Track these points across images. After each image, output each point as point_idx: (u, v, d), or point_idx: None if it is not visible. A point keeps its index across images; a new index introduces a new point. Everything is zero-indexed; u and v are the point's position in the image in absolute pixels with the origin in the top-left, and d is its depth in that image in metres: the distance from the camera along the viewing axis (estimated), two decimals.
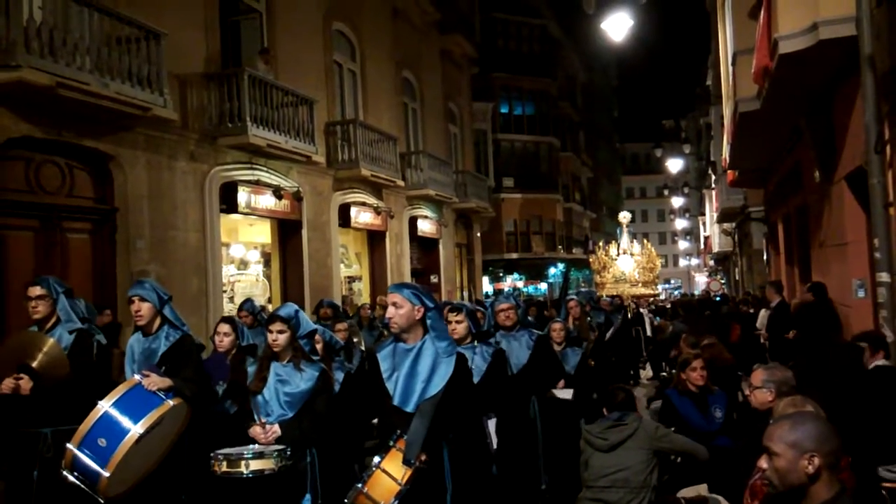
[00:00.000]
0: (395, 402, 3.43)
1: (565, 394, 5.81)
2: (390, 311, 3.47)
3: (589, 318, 8.40)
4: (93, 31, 8.41)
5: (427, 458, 3.23)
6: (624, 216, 22.30)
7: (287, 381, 3.97)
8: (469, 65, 23.68)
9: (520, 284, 32.79)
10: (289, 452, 3.80)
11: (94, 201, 9.50)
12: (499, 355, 4.78)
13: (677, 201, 55.89)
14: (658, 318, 17.48)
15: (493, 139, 28.31)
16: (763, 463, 2.19)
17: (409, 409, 3.38)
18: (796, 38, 6.25)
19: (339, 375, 4.90)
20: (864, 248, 6.94)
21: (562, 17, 36.12)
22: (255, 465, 3.71)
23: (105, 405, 3.91)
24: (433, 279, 19.98)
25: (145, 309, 4.34)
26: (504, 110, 33.19)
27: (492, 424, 4.60)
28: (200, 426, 4.36)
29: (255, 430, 3.90)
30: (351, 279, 16.74)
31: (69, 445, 3.86)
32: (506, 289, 30.19)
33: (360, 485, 3.21)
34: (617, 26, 11.42)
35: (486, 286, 27.83)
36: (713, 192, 26.97)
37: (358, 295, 16.63)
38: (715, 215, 26.25)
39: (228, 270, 12.81)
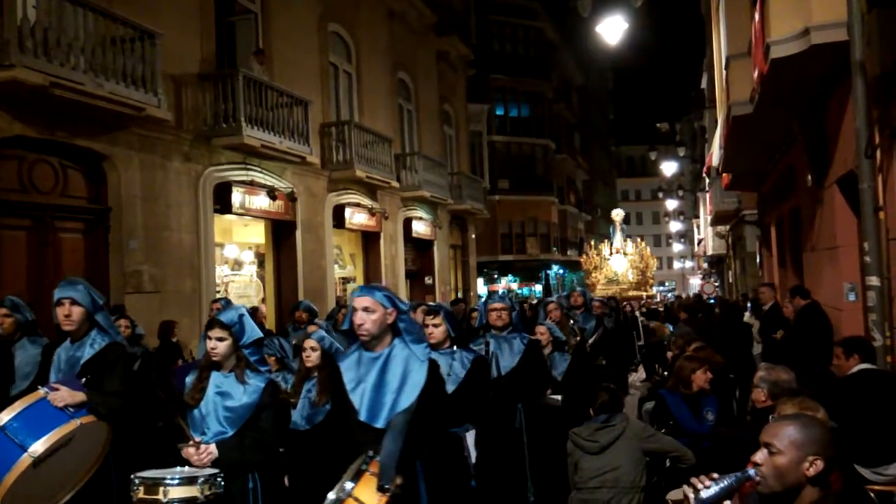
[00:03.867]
0: (362, 417, 3.09)
1: (553, 399, 5.58)
2: (360, 316, 3.13)
3: (572, 322, 8.09)
4: (87, 30, 8.40)
5: (402, 482, 2.90)
6: (617, 213, 21.79)
7: (228, 393, 3.47)
8: (465, 67, 23.70)
9: (514, 286, 32.82)
10: (220, 479, 3.27)
11: (88, 201, 9.49)
12: (479, 362, 4.40)
13: (672, 204, 56.04)
14: (652, 322, 17.51)
15: (488, 141, 28.34)
16: (759, 458, 2.18)
17: (379, 424, 3.05)
18: (788, 43, 6.28)
19: None
20: (855, 251, 6.97)
21: (557, 19, 36.21)
22: (177, 492, 3.15)
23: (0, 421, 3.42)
24: (428, 280, 19.98)
25: (77, 314, 3.87)
26: (499, 112, 33.26)
27: (470, 437, 4.25)
28: (131, 447, 3.89)
29: (189, 451, 3.35)
30: (345, 280, 16.74)
31: None
32: (500, 290, 30.20)
33: None
34: (612, 29, 11.49)
35: (481, 288, 27.84)
36: (707, 195, 27.02)
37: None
38: (709, 218, 26.31)
39: (222, 271, 12.79)
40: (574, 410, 5.65)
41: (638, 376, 13.96)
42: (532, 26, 34.52)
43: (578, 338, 7.55)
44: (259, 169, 12.29)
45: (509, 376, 5.02)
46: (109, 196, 9.58)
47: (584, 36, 32.57)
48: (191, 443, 3.37)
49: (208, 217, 11.22)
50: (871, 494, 4.24)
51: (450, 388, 4.06)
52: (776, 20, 6.35)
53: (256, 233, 13.78)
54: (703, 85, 25.88)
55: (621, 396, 4.67)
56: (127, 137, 9.65)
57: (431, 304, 5.91)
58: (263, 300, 13.43)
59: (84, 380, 3.78)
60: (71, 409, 3.59)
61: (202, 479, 3.20)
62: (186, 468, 3.32)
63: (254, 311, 11.49)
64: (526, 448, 5.11)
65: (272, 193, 12.49)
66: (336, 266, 15.59)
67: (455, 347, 4.37)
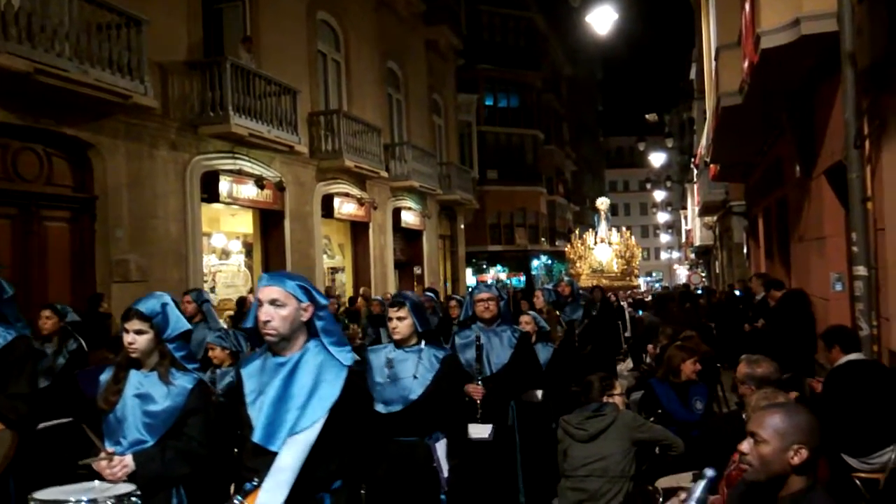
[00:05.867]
0: (256, 437, 2.50)
1: (534, 396, 5.21)
2: (267, 311, 2.54)
3: (558, 314, 7.91)
4: (72, 16, 8.29)
5: None
6: (602, 202, 21.40)
7: (148, 395, 2.93)
8: (454, 56, 23.63)
9: (503, 276, 32.87)
10: (136, 498, 2.74)
11: (73, 189, 9.40)
12: (449, 362, 3.86)
13: (660, 195, 56.27)
14: (640, 311, 17.57)
15: (477, 131, 28.27)
16: (744, 447, 2.20)
17: (276, 447, 2.47)
18: (779, 34, 6.28)
19: None
20: (843, 241, 7.02)
21: (547, 10, 36.12)
22: None
23: None
24: (416, 271, 19.97)
25: None
26: (489, 102, 33.17)
27: (441, 447, 3.75)
28: (33, 459, 3.48)
29: (100, 465, 2.81)
30: (334, 270, 16.70)
31: None
32: (489, 281, 30.23)
33: None
34: (602, 20, 11.50)
35: (470, 278, 27.86)
36: (695, 186, 27.16)
37: (341, 286, 16.60)
38: (697, 209, 26.45)
39: (209, 260, 12.73)
40: (556, 402, 5.48)
41: (625, 366, 14.02)
42: (522, 17, 34.41)
43: (565, 329, 7.46)
44: (247, 158, 12.21)
45: (503, 373, 4.66)
46: (95, 184, 9.49)
47: (574, 26, 32.53)
48: (102, 455, 2.83)
49: (195, 206, 11.14)
50: (858, 482, 4.28)
51: (417, 391, 3.70)
52: (766, 10, 6.34)
53: (244, 222, 13.71)
54: (692, 76, 25.91)
55: (613, 384, 4.65)
56: (113, 125, 9.55)
57: (398, 293, 5.23)
58: (251, 290, 13.37)
59: None
60: None
61: (112, 499, 2.67)
62: (96, 483, 2.81)
63: (242, 302, 11.47)
64: (518, 448, 4.84)
65: (260, 182, 12.42)
66: (325, 256, 15.55)
67: (423, 344, 3.84)
